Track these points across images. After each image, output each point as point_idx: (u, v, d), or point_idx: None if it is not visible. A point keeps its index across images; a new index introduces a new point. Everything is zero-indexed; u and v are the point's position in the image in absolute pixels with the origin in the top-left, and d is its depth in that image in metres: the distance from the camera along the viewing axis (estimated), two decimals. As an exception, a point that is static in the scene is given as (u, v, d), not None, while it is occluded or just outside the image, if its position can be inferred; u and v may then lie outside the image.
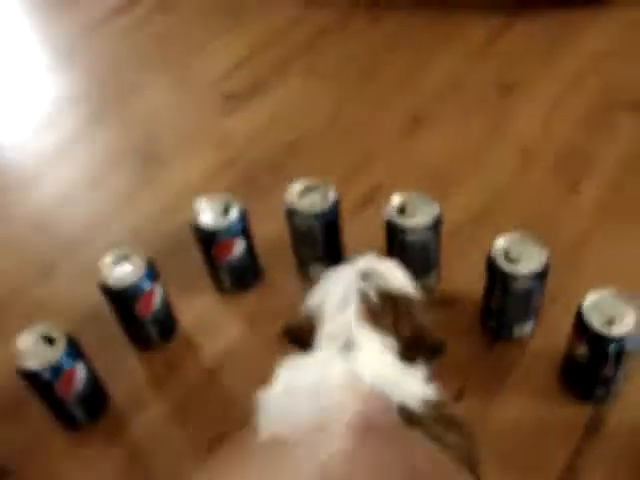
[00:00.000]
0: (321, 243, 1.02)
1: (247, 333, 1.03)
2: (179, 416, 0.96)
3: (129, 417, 0.96)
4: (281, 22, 1.58)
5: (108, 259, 0.95)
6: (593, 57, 1.41)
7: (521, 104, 1.33)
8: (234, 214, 0.98)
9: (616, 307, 0.84)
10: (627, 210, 1.13)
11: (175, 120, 1.41)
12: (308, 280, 1.04)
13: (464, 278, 1.03)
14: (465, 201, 1.15)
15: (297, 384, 0.67)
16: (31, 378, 0.86)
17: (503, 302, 0.93)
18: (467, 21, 1.52)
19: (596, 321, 0.83)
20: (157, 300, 0.97)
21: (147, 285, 0.94)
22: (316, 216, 0.98)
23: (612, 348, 0.83)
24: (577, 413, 0.90)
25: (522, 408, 0.92)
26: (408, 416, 0.64)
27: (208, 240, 0.99)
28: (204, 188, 1.21)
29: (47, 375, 0.85)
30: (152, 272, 0.95)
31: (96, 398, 0.94)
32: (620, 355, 0.84)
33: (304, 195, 0.99)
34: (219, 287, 1.07)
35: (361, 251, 0.80)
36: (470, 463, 0.67)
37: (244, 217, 0.99)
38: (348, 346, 0.68)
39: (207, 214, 0.98)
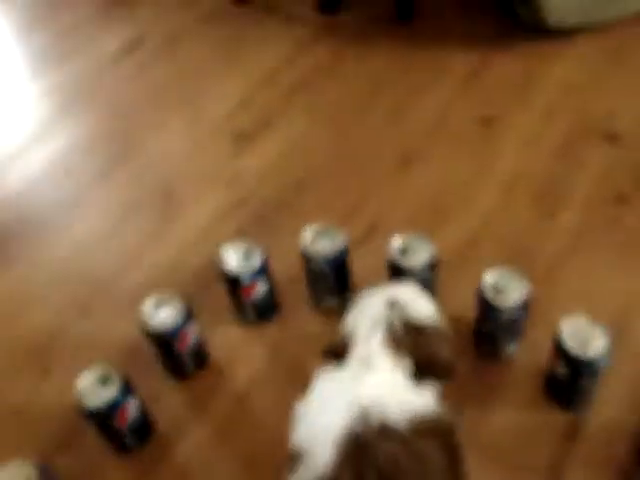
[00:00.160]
0: (332, 280, 1.17)
1: (270, 360, 1.18)
2: (217, 440, 1.10)
3: (173, 441, 1.10)
4: (276, 62, 1.72)
5: (148, 303, 1.09)
6: (566, 88, 1.56)
7: (501, 137, 1.48)
8: (256, 259, 1.12)
9: (588, 331, 0.99)
10: (599, 237, 1.28)
11: (187, 161, 1.54)
12: (322, 310, 1.20)
13: (456, 305, 1.15)
14: (454, 234, 1.29)
15: (325, 401, 0.83)
16: (92, 416, 1.00)
17: (493, 328, 1.09)
18: (448, 57, 1.66)
19: (572, 345, 0.98)
20: (192, 336, 1.11)
21: (185, 325, 1.08)
22: (328, 260, 1.13)
23: (587, 368, 0.99)
24: (559, 421, 1.06)
25: (511, 417, 1.06)
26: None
27: (234, 283, 1.14)
28: (219, 227, 1.36)
29: (106, 411, 1.00)
30: (189, 314, 1.09)
31: (145, 426, 1.08)
32: (594, 372, 1.00)
33: (316, 239, 1.14)
34: (243, 320, 1.21)
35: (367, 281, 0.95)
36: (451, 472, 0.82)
37: (266, 262, 1.13)
38: (368, 365, 0.84)
39: (232, 259, 1.13)
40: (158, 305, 1.09)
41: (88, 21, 1.96)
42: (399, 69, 1.66)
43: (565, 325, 1.00)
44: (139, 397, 1.06)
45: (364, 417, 0.78)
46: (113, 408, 1.00)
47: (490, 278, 1.06)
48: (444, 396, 0.87)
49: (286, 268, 1.22)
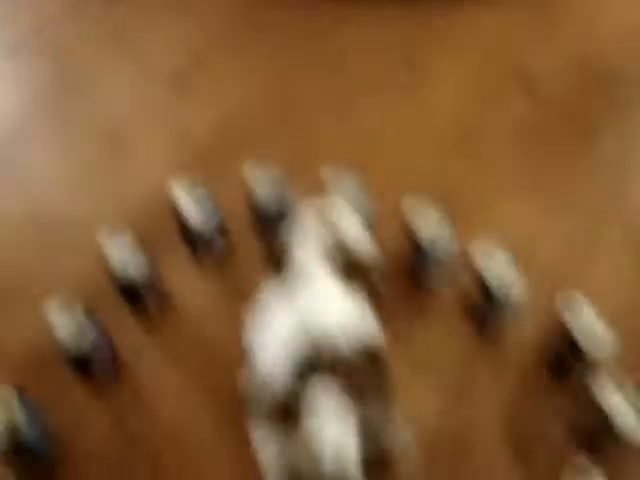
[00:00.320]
0: (274, 213, 1.28)
1: (220, 285, 1.29)
2: (172, 362, 1.21)
3: (134, 366, 1.21)
4: (212, 11, 1.76)
5: (107, 243, 1.18)
6: (488, 36, 1.67)
7: (428, 83, 1.59)
8: (206, 197, 1.23)
9: (502, 262, 1.14)
10: (513, 174, 1.42)
11: (130, 103, 1.59)
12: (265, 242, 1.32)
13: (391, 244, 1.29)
14: (383, 173, 1.41)
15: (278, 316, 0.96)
16: (60, 343, 1.10)
17: (419, 261, 1.23)
18: (374, 9, 1.74)
19: (487, 275, 1.13)
20: (148, 272, 1.21)
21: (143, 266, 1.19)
22: (270, 194, 1.24)
23: (499, 294, 1.14)
24: (476, 338, 1.22)
25: (436, 336, 1.22)
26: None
27: (185, 218, 1.24)
28: (163, 165, 1.44)
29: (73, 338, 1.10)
30: (152, 260, 1.20)
31: (108, 353, 1.19)
32: (505, 298, 1.15)
33: (262, 184, 1.24)
34: (193, 254, 1.32)
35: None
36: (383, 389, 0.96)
37: (214, 199, 1.24)
38: (311, 280, 0.97)
39: (187, 205, 1.22)
40: (116, 243, 1.18)
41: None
42: (334, 16, 1.73)
43: (483, 257, 1.15)
44: (102, 326, 1.16)
45: (313, 337, 0.91)
46: (79, 335, 1.10)
47: (417, 216, 1.19)
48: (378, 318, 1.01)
49: (231, 205, 1.32)
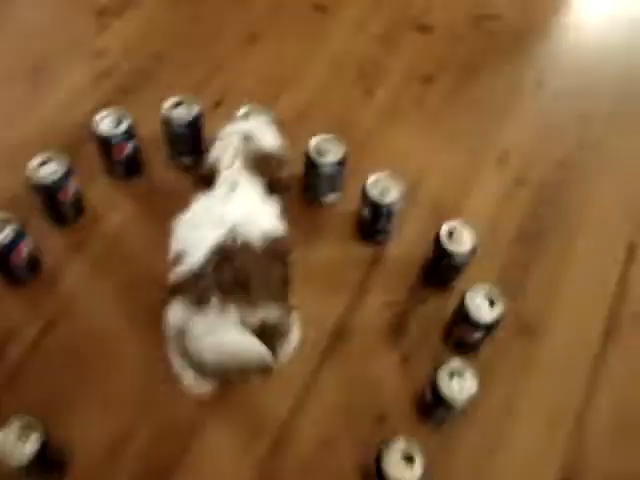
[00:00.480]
0: (189, 142, 1.41)
1: (138, 208, 1.42)
2: (95, 273, 1.34)
3: (58, 276, 1.33)
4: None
5: (34, 160, 1.29)
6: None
7: (332, 23, 1.74)
8: (124, 124, 1.35)
9: (387, 183, 1.32)
10: (406, 111, 1.60)
11: (53, 35, 1.68)
12: (179, 166, 1.45)
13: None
14: (288, 105, 1.56)
15: (201, 216, 1.12)
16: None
17: (316, 181, 1.39)
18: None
19: (373, 193, 1.30)
20: (72, 189, 1.33)
21: (66, 179, 1.30)
22: (186, 124, 1.37)
23: (384, 210, 1.32)
24: (365, 252, 1.40)
25: (330, 250, 1.39)
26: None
27: (106, 144, 1.36)
28: (86, 96, 1.54)
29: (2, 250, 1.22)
30: (69, 169, 1.30)
31: (35, 263, 1.31)
32: (390, 215, 1.33)
33: (175, 107, 1.37)
34: (113, 176, 1.44)
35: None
36: (283, 284, 1.13)
37: (132, 125, 1.36)
38: (233, 186, 1.13)
39: (104, 124, 1.34)
40: (42, 161, 1.29)
41: None
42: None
43: (370, 179, 1.32)
44: (29, 239, 1.28)
45: (230, 231, 1.06)
46: (9, 247, 1.22)
47: (314, 142, 1.35)
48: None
49: (149, 133, 1.44)
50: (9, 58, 1.63)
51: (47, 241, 1.36)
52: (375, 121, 1.57)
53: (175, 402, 1.20)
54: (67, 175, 1.30)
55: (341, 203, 1.45)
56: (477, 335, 1.21)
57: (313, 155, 1.34)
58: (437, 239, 1.26)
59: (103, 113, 1.35)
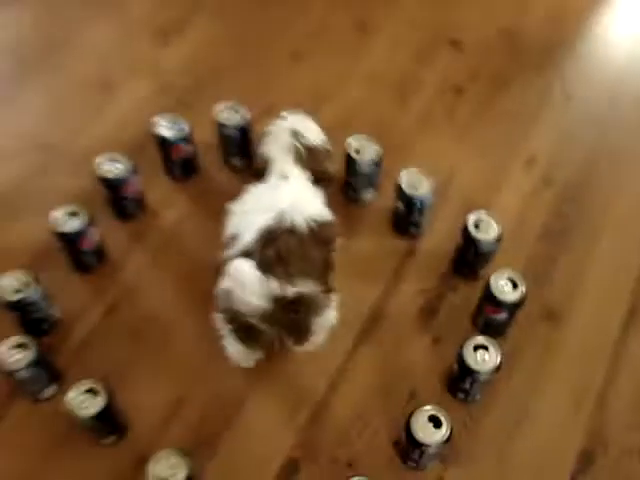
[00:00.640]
0: (240, 144, 1.55)
1: (194, 205, 1.57)
2: (155, 263, 1.48)
3: (121, 265, 1.48)
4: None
5: (102, 159, 1.44)
6: (425, 3, 1.97)
7: (371, 40, 1.88)
8: (182, 127, 1.50)
9: (419, 180, 1.43)
10: (438, 119, 1.72)
11: (116, 53, 1.86)
12: (230, 167, 1.59)
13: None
14: (332, 113, 1.69)
15: (253, 203, 1.26)
16: (63, 239, 1.37)
17: (354, 179, 1.51)
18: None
19: (406, 188, 1.42)
20: (136, 186, 1.48)
21: (130, 176, 1.45)
22: (237, 128, 1.51)
23: (416, 203, 1.43)
24: (400, 244, 1.51)
25: (367, 244, 1.51)
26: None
27: (166, 145, 1.51)
28: (148, 107, 1.70)
29: (74, 237, 1.37)
30: (134, 168, 1.45)
31: (101, 251, 1.46)
32: (422, 208, 1.44)
33: (227, 113, 1.52)
34: (171, 176, 1.59)
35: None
36: (325, 266, 1.25)
37: (189, 129, 1.51)
38: (283, 177, 1.28)
39: (164, 127, 1.49)
40: (109, 160, 1.44)
41: None
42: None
43: (403, 173, 1.44)
44: (97, 229, 1.43)
45: (280, 216, 1.19)
46: (80, 234, 1.37)
47: (353, 142, 1.48)
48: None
49: (203, 138, 1.59)
50: (82, 73, 1.81)
51: (112, 233, 1.50)
52: (409, 127, 1.70)
53: (223, 376, 1.33)
54: (130, 172, 1.45)
55: (377, 200, 1.56)
56: (502, 315, 1.30)
57: (351, 154, 1.47)
58: (464, 228, 1.37)
59: (163, 118, 1.51)
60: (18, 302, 1.29)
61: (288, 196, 1.24)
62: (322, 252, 1.23)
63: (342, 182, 1.55)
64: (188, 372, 1.34)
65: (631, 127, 1.75)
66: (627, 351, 1.38)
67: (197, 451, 1.21)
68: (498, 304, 1.28)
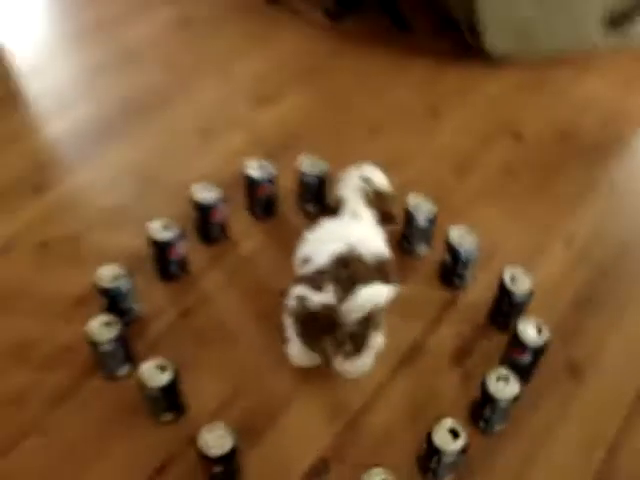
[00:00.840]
0: (315, 192, 1.80)
1: (269, 239, 1.80)
2: (230, 281, 1.71)
3: (200, 279, 1.71)
4: (291, 49, 2.37)
5: (197, 187, 1.70)
6: (491, 98, 2.23)
7: (442, 125, 2.14)
8: (268, 175, 1.75)
9: (466, 237, 1.63)
10: (490, 193, 1.94)
11: (218, 112, 2.17)
12: (304, 212, 1.83)
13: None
14: (401, 179, 1.92)
15: (326, 234, 1.50)
16: (155, 246, 1.61)
17: (410, 234, 1.73)
18: (412, 64, 2.33)
19: (453, 242, 1.62)
20: (221, 214, 1.73)
21: (217, 205, 1.70)
22: (315, 176, 1.76)
23: (462, 255, 1.63)
24: (444, 294, 1.70)
25: (415, 288, 1.69)
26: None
27: (252, 184, 1.76)
28: (241, 157, 1.96)
29: (164, 245, 1.61)
30: (220, 198, 1.71)
31: (185, 264, 1.69)
32: (467, 261, 1.64)
33: (309, 164, 1.77)
34: (252, 213, 1.84)
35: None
36: None
37: (273, 175, 1.77)
38: (354, 215, 1.52)
39: (253, 169, 1.75)
40: (203, 189, 1.70)
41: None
42: (378, 67, 2.32)
43: (452, 231, 1.64)
44: (185, 243, 1.67)
45: (350, 246, 1.42)
46: (171, 243, 1.61)
47: (412, 200, 1.70)
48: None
49: (284, 186, 1.85)
50: (187, 123, 2.12)
51: (196, 252, 1.74)
52: (464, 197, 1.92)
53: (276, 379, 1.52)
54: (219, 201, 1.70)
55: (429, 254, 1.77)
56: (526, 358, 1.46)
57: (411, 211, 1.69)
58: (501, 280, 1.55)
59: (253, 161, 1.77)
60: (111, 290, 1.52)
61: (357, 231, 1.49)
62: (381, 281, 1.41)
63: (400, 236, 1.76)
64: (245, 372, 1.53)
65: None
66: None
67: (242, 438, 1.38)
68: (523, 346, 1.44)
